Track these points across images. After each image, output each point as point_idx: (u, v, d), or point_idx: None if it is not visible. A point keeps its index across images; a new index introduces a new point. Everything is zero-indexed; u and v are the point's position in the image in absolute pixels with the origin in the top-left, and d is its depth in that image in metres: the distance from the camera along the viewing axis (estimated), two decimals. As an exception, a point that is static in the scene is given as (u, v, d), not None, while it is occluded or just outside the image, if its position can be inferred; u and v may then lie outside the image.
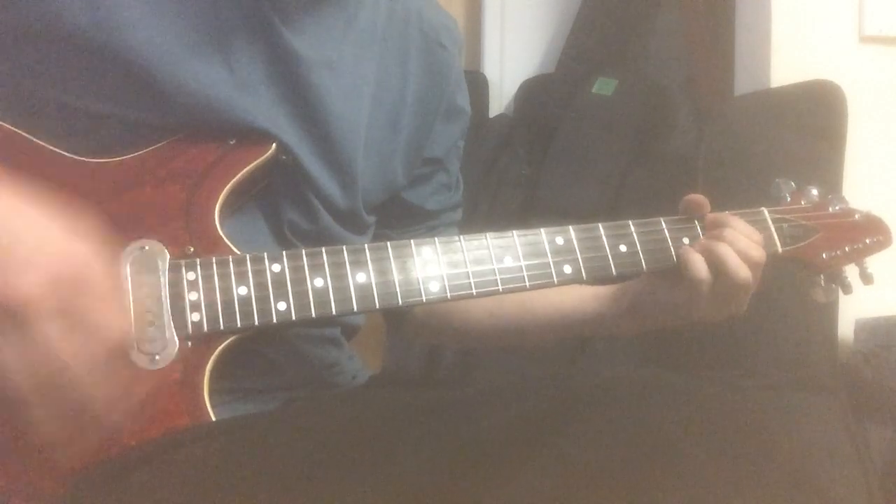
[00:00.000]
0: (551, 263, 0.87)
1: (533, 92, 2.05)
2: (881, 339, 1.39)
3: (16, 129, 0.79)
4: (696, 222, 0.94)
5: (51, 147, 0.79)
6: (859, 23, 1.65)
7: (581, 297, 1.01)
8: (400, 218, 1.06)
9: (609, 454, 0.59)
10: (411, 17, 1.01)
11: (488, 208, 1.87)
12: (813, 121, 1.51)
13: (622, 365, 1.53)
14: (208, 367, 0.75)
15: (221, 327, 0.76)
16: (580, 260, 0.88)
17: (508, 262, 0.86)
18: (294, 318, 0.77)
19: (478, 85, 2.06)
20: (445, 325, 1.09)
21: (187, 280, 0.76)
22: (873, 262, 1.04)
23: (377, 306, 0.81)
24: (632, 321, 0.97)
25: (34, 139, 0.79)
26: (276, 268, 0.78)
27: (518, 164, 1.92)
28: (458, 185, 1.14)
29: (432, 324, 1.09)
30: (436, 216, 1.09)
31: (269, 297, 0.77)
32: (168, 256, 0.76)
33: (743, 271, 0.88)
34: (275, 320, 0.77)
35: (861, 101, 1.53)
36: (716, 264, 0.89)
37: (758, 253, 0.90)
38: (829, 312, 1.39)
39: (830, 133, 1.49)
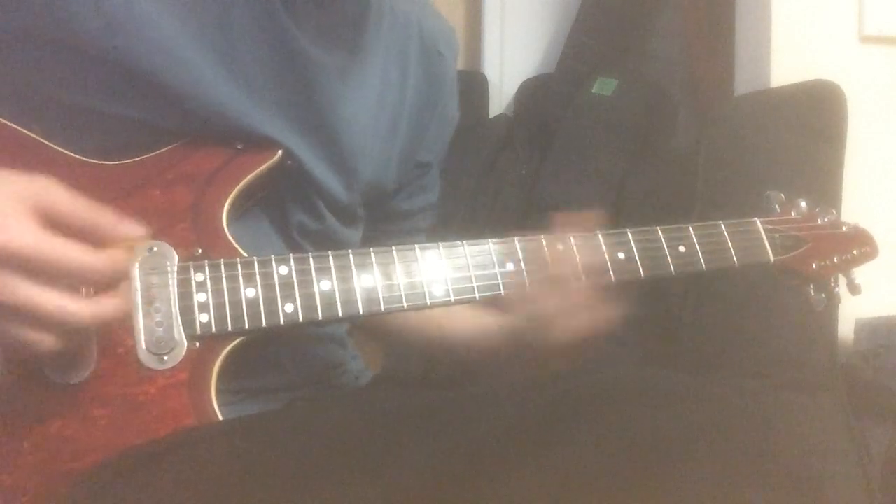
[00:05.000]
0: None
1: (533, 92, 2.05)
2: (881, 339, 1.39)
3: (23, 130, 0.79)
4: (691, 229, 0.95)
5: (59, 148, 0.80)
6: (859, 23, 1.65)
7: (481, 329, 1.03)
8: (376, 217, 1.07)
9: (609, 454, 0.59)
10: (411, 24, 1.02)
11: (488, 208, 1.87)
12: (813, 121, 1.51)
13: (622, 365, 1.53)
14: (216, 367, 0.76)
15: (229, 328, 0.76)
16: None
17: (510, 267, 0.87)
18: (301, 319, 0.78)
19: (478, 85, 2.06)
20: (379, 330, 1.11)
21: (196, 281, 0.76)
22: (873, 262, 1.05)
23: (382, 309, 0.81)
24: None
25: (42, 139, 0.79)
26: (284, 270, 0.79)
27: (518, 164, 1.92)
28: (434, 187, 1.15)
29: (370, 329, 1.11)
30: (410, 217, 1.10)
31: (276, 299, 0.77)
32: (177, 258, 0.77)
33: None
34: (282, 322, 0.77)
35: (861, 101, 1.53)
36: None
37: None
38: (829, 312, 1.39)
39: (830, 133, 1.49)
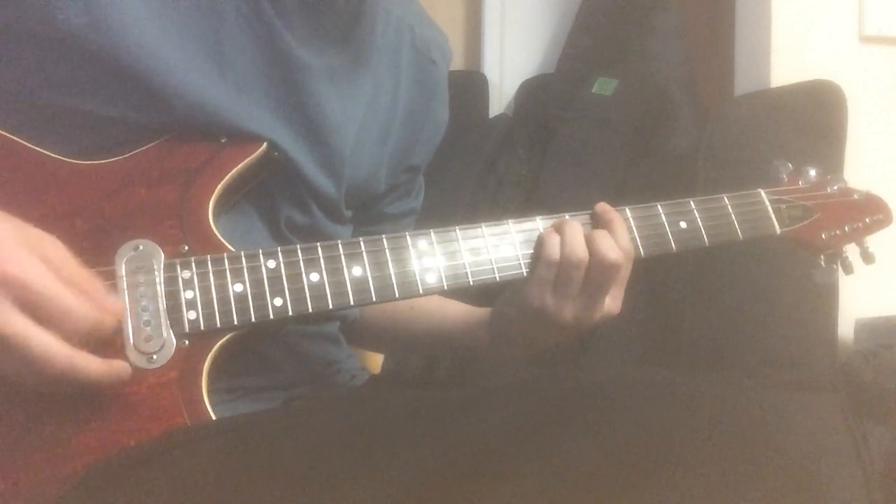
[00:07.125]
0: None
1: (533, 92, 2.06)
2: (881, 339, 1.39)
3: (6, 133, 0.78)
4: (692, 203, 0.93)
5: (42, 150, 0.79)
6: (859, 23, 1.65)
7: (463, 318, 1.02)
8: (361, 220, 1.06)
9: (609, 454, 0.59)
10: (404, 31, 1.02)
11: (488, 208, 1.88)
12: (813, 121, 1.51)
13: (622, 365, 1.53)
14: (206, 365, 0.75)
15: (218, 325, 0.75)
16: None
17: (505, 251, 0.86)
18: (291, 313, 0.77)
19: (478, 85, 2.07)
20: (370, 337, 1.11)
21: (183, 279, 0.75)
22: (873, 263, 1.04)
23: (374, 299, 0.80)
24: (506, 346, 0.96)
25: (25, 142, 0.78)
26: (272, 264, 0.78)
27: (518, 164, 1.92)
28: (419, 193, 1.14)
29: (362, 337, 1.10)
30: (395, 220, 1.10)
31: (265, 294, 0.77)
32: (163, 256, 0.76)
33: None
34: (272, 316, 0.76)
35: (861, 101, 1.53)
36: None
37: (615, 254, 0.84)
38: (828, 312, 1.39)
39: (830, 133, 1.49)
